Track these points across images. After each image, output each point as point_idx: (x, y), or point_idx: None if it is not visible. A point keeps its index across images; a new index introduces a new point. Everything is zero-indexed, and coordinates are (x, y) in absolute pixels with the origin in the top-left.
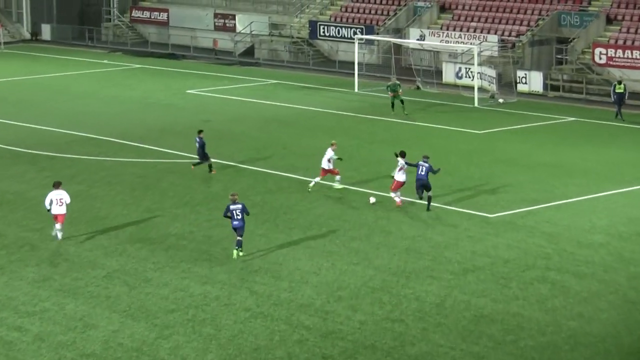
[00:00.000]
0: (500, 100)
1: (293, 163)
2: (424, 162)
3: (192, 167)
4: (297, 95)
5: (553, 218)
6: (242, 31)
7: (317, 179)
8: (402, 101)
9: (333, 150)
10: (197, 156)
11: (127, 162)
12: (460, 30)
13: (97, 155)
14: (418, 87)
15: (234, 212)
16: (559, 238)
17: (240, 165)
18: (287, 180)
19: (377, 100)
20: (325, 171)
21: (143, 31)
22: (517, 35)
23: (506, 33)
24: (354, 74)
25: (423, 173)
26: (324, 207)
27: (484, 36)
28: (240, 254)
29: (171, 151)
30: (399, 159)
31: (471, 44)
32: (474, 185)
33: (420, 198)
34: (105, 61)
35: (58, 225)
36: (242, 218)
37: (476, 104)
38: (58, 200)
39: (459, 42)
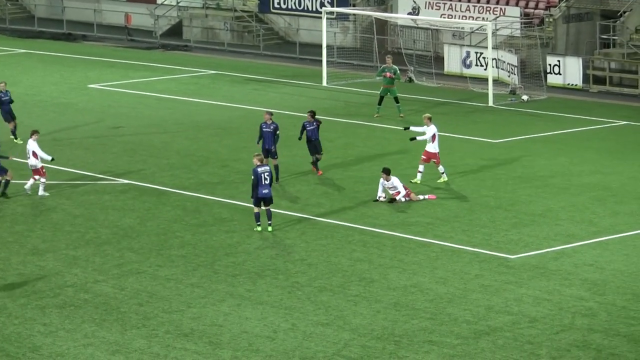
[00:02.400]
0: (525, 98)
1: (237, 186)
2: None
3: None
4: (242, 91)
5: (598, 260)
6: (165, 2)
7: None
8: (396, 99)
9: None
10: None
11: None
12: (469, 1)
13: None
14: (410, 80)
15: (262, 175)
16: (606, 287)
17: (162, 188)
18: (228, 209)
19: (353, 98)
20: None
21: (27, 2)
22: (547, 8)
23: (531, 4)
24: (321, 61)
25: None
26: (281, 246)
27: (501, 8)
28: (269, 229)
29: (67, 169)
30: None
31: (483, 19)
32: (489, 214)
33: None
34: None
35: (31, 181)
36: (270, 184)
37: (491, 103)
38: (28, 152)
39: (466, 17)
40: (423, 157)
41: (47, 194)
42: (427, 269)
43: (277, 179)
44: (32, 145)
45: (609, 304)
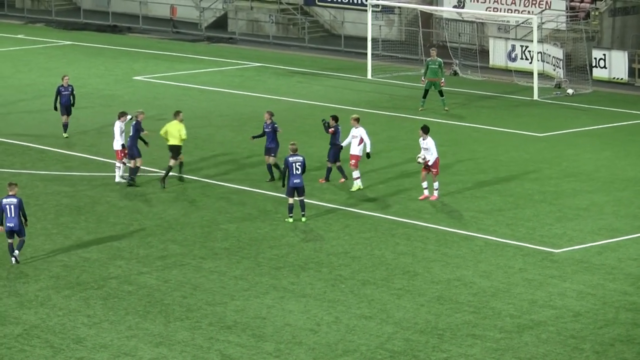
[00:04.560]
0: (570, 91)
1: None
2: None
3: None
4: (287, 84)
5: None
6: None
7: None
8: (441, 92)
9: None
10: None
11: (51, 176)
12: None
13: (9, 166)
14: (455, 73)
15: (294, 165)
16: None
17: (207, 180)
18: (272, 201)
19: (398, 91)
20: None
21: None
22: (593, 1)
23: None
24: (366, 54)
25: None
26: (325, 239)
27: (546, 2)
28: (303, 219)
29: (112, 161)
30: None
31: (529, 12)
32: (533, 208)
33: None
34: (21, 36)
35: (117, 170)
36: (302, 173)
37: (536, 97)
38: (115, 133)
39: (511, 11)
40: (352, 161)
41: (122, 180)
42: (471, 263)
43: (272, 177)
44: (118, 126)
45: None
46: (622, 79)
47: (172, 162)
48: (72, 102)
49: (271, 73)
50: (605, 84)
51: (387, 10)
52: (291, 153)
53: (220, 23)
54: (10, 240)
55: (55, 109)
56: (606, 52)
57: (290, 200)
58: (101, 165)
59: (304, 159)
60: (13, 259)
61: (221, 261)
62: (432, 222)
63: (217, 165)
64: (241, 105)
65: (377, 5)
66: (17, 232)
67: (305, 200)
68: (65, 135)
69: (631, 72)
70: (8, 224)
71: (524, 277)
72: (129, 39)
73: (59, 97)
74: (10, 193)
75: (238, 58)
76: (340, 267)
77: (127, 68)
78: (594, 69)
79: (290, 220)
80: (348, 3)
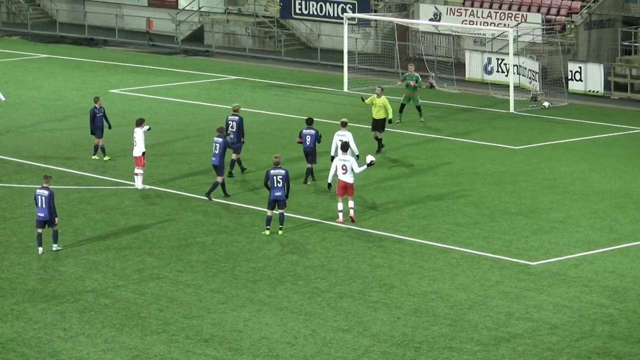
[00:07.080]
0: (546, 104)
1: (258, 191)
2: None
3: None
4: (263, 97)
5: (618, 267)
6: (186, 7)
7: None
8: (419, 107)
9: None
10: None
11: (26, 190)
12: (490, 7)
13: None
14: (431, 86)
15: (275, 178)
16: (627, 295)
17: (183, 193)
18: (249, 214)
19: None
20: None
21: (49, 7)
22: (569, 14)
23: (553, 11)
24: (342, 67)
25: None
26: (302, 252)
27: (522, 15)
28: (280, 232)
29: (89, 174)
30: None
31: (505, 25)
32: (509, 221)
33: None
34: None
35: (137, 170)
36: (284, 187)
37: (512, 109)
38: (135, 140)
39: (487, 24)
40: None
41: (145, 187)
42: (448, 276)
43: (209, 193)
44: (139, 133)
45: (629, 311)
46: (597, 91)
47: (380, 134)
48: (108, 123)
49: (247, 86)
50: (581, 96)
51: (363, 23)
52: (273, 165)
53: (197, 36)
54: (39, 230)
55: (92, 132)
56: (582, 65)
57: (269, 213)
58: (77, 178)
59: (286, 173)
60: (40, 248)
61: (198, 274)
62: (408, 235)
63: (194, 179)
64: (218, 119)
65: (353, 19)
66: (47, 222)
67: (284, 213)
68: (94, 157)
69: (607, 84)
70: (39, 214)
71: (500, 290)
72: (105, 52)
73: (94, 120)
74: (44, 185)
75: (214, 71)
76: (317, 280)
77: (104, 81)
78: (569, 82)
79: (267, 232)
80: (324, 16)
